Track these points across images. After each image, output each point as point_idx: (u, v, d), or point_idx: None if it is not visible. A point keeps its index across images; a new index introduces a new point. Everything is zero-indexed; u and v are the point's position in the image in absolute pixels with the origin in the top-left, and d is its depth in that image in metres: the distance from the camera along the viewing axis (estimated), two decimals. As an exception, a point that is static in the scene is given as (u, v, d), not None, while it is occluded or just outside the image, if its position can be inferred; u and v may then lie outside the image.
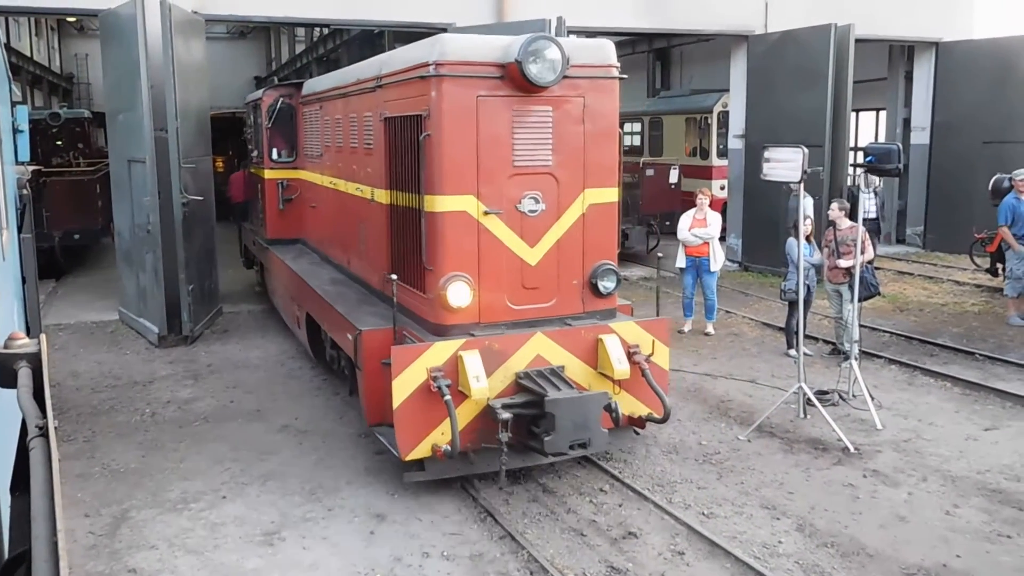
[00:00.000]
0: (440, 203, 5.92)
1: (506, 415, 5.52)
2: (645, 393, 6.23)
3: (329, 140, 8.95)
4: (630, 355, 6.13)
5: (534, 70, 5.73)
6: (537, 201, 6.09)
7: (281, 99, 10.49)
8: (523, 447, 5.89)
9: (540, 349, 6.01)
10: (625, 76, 6.50)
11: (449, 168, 5.87)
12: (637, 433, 6.70)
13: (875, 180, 13.36)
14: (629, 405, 6.25)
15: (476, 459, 5.95)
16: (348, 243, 8.37)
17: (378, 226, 7.16)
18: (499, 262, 6.05)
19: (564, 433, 5.55)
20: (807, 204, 12.15)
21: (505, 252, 6.07)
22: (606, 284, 6.33)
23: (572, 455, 5.86)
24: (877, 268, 14.02)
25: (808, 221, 8.71)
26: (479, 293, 6.01)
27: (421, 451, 5.75)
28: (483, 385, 5.66)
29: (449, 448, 5.55)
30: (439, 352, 5.70)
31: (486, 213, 5.98)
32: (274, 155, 10.68)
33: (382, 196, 7.01)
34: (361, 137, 7.58)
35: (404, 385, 5.62)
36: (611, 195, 6.40)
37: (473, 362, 5.70)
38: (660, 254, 7.94)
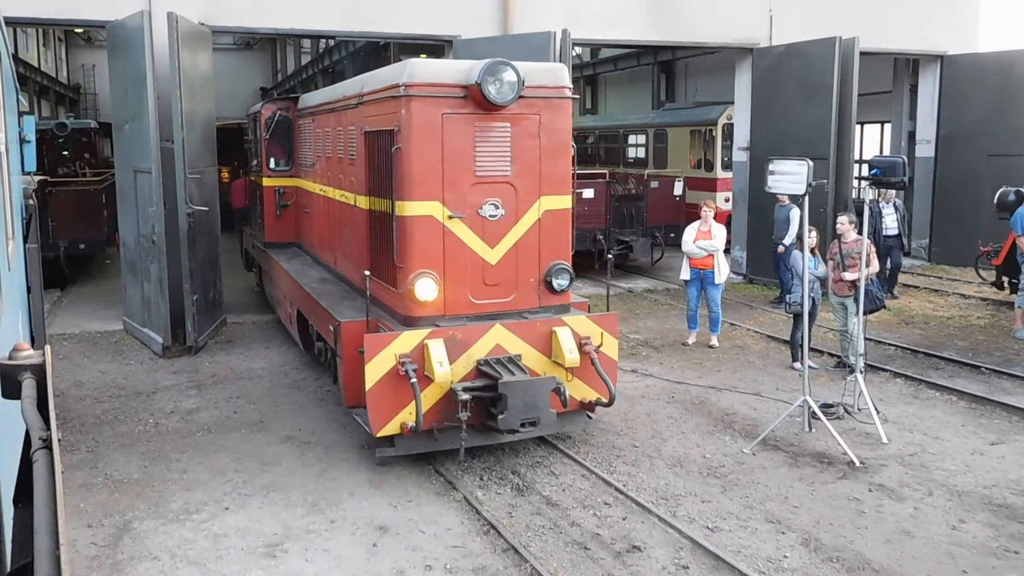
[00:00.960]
0: (409, 208, 6.60)
1: (465, 396, 6.16)
2: (595, 380, 6.81)
3: (320, 151, 9.58)
4: (581, 346, 6.72)
5: (492, 91, 6.42)
6: (497, 207, 6.75)
7: (278, 112, 11.14)
8: (483, 427, 6.60)
9: (499, 339, 6.65)
10: (577, 96, 6.92)
11: (417, 177, 6.54)
12: (590, 417, 7.36)
13: (891, 193, 12.96)
14: (580, 391, 6.86)
15: (440, 436, 6.56)
16: (335, 245, 9.03)
17: (359, 229, 7.82)
18: (462, 261, 6.72)
19: (516, 412, 6.21)
20: (794, 215, 12.19)
21: (468, 252, 6.73)
22: (560, 282, 6.99)
23: (523, 432, 6.49)
24: (904, 285, 13.97)
25: (813, 233, 8.68)
26: (444, 288, 6.67)
27: (390, 428, 6.39)
28: (446, 370, 6.28)
29: (414, 425, 6.19)
30: (407, 340, 6.35)
31: (451, 217, 6.63)
32: (271, 164, 11.32)
33: (362, 202, 7.65)
34: (346, 148, 8.26)
35: (376, 369, 6.27)
36: (565, 202, 7.07)
37: (438, 349, 6.33)
38: (610, 256, 8.49)
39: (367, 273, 6.63)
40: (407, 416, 6.31)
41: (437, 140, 6.50)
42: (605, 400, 6.82)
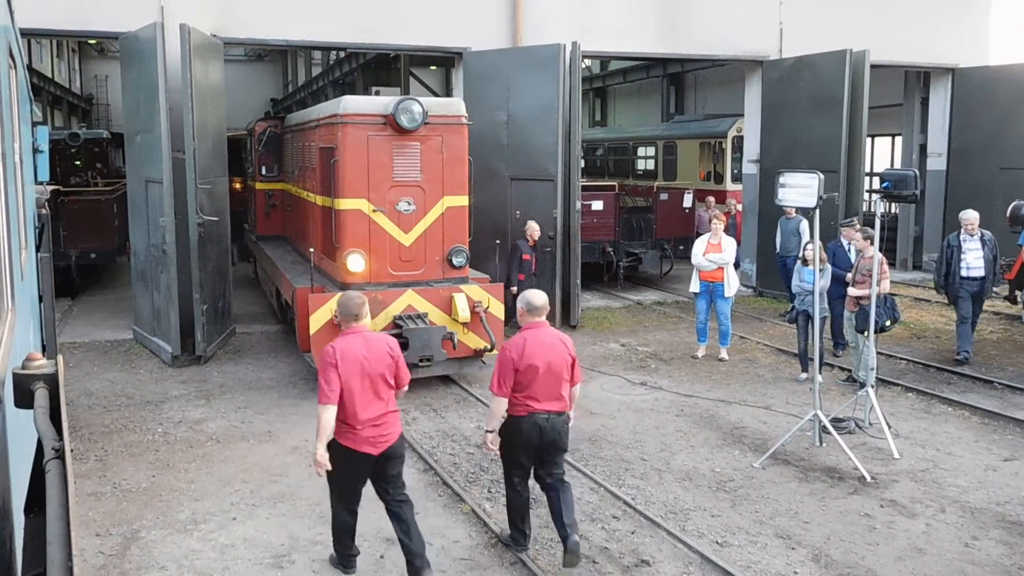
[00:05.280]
0: (344, 203, 8.87)
1: None
2: (484, 333, 8.98)
3: (297, 161, 11.83)
4: (472, 308, 8.94)
5: (404, 119, 8.64)
6: (410, 203, 8.98)
7: (268, 128, 13.66)
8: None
9: (411, 301, 8.89)
10: (471, 123, 9.31)
11: (349, 181, 8.80)
12: (483, 363, 9.42)
13: (972, 220, 10.32)
14: (473, 341, 9.08)
15: None
16: (304, 234, 11.24)
17: (316, 220, 10.15)
18: (383, 242, 8.94)
19: (415, 351, 8.45)
20: (804, 228, 12.15)
21: (387, 236, 8.96)
22: (458, 260, 9.20)
23: (421, 367, 8.63)
24: (915, 299, 13.29)
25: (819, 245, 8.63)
26: (370, 262, 8.87)
27: None
28: (368, 321, 8.10)
29: None
30: None
31: (374, 210, 8.85)
32: (263, 171, 13.73)
33: (318, 200, 9.91)
34: (310, 159, 10.46)
35: (317, 320, 8.49)
36: (463, 201, 9.30)
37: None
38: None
39: (312, 250, 9.37)
40: None
41: (364, 155, 8.73)
42: (489, 347, 8.99)
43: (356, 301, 5.17)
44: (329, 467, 4.86)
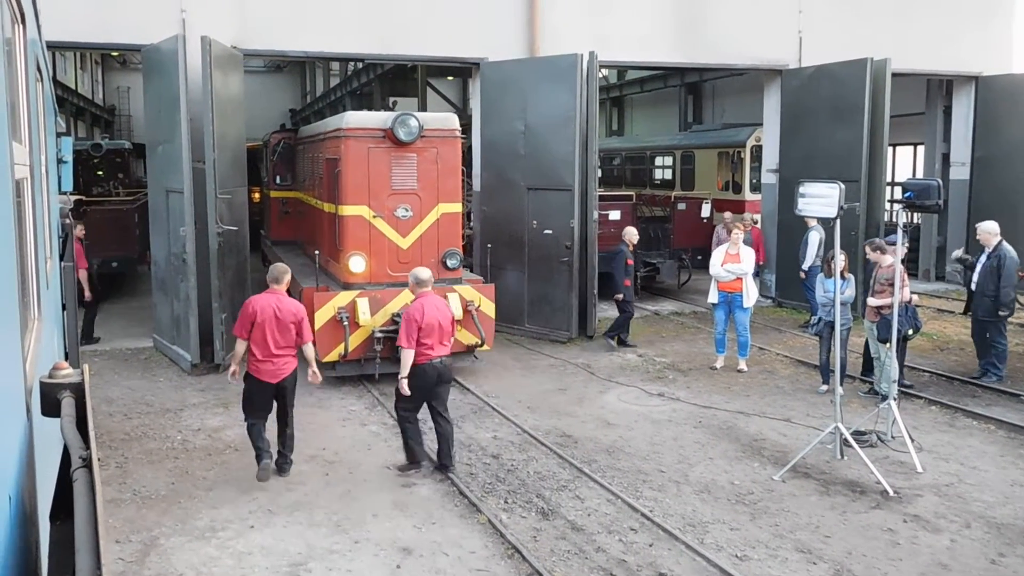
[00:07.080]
0: (346, 210, 9.63)
1: (380, 335, 9.34)
2: (476, 330, 9.73)
3: (307, 170, 12.78)
4: (465, 306, 9.61)
5: (401, 133, 9.39)
6: (407, 210, 9.69)
7: (282, 140, 14.72)
8: (395, 360, 8.87)
9: (408, 300, 8.92)
10: (464, 137, 10.39)
11: (351, 189, 9.55)
12: (476, 357, 10.25)
13: (988, 232, 9.79)
14: (465, 337, 9.72)
15: (364, 365, 9.56)
16: (312, 238, 12.07)
17: (322, 225, 11.00)
18: (382, 246, 9.67)
19: None
20: (812, 238, 12.03)
21: (386, 240, 9.68)
22: (452, 262, 9.87)
23: None
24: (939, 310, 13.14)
25: (842, 256, 8.56)
26: (370, 264, 9.58)
27: (332, 356, 9.33)
28: (368, 318, 9.31)
29: (344, 353, 9.30)
30: (343, 298, 9.39)
31: (374, 216, 9.58)
32: (277, 180, 14.80)
33: (325, 207, 10.77)
34: (319, 169, 11.27)
35: (322, 316, 9.24)
36: (457, 207, 10.08)
37: (364, 305, 9.34)
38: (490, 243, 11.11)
39: (317, 253, 9.95)
40: (342, 348, 9.30)
41: (365, 165, 9.46)
42: (480, 343, 9.76)
43: (280, 269, 7.11)
44: (237, 379, 6.96)
